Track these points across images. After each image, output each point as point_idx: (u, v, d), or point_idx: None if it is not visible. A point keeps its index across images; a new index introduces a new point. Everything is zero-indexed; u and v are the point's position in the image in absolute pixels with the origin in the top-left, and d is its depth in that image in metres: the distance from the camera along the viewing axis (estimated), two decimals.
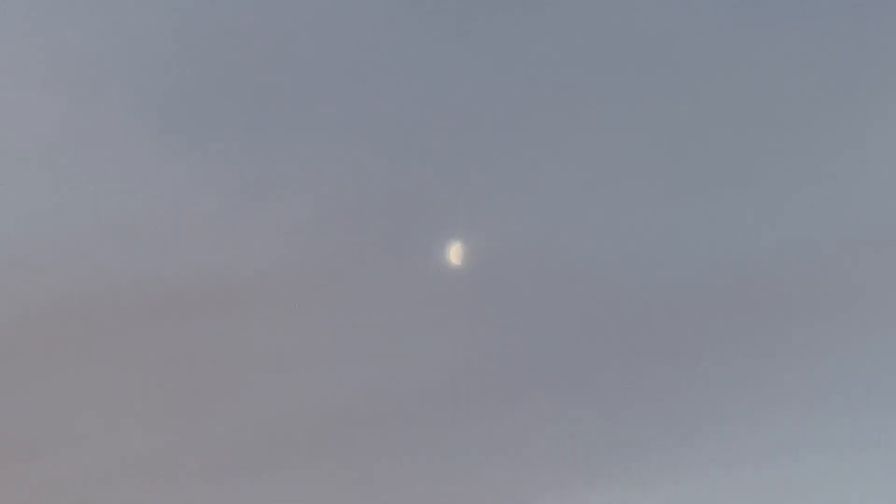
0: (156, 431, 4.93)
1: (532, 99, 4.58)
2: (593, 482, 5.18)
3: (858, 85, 4.62)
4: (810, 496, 5.16)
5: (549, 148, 4.68)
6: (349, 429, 5.10)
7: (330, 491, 5.12)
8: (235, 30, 4.30)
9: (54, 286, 4.57)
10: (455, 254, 4.82)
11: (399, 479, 5.19)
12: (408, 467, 5.21)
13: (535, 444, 5.18)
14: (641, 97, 4.57)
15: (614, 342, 5.09)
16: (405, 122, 4.56)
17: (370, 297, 4.86)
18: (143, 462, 4.96)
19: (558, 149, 4.69)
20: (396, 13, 4.34)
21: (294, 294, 4.80)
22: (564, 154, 4.70)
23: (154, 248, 4.55)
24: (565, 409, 5.20)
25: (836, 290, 4.97)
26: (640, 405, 5.14)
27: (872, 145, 4.74)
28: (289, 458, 5.08)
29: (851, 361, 5.06)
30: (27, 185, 4.39)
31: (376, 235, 4.76)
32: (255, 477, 5.04)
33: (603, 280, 4.93)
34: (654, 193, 4.76)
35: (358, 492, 5.09)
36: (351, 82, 4.49)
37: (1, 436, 4.75)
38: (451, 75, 4.52)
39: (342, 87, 4.50)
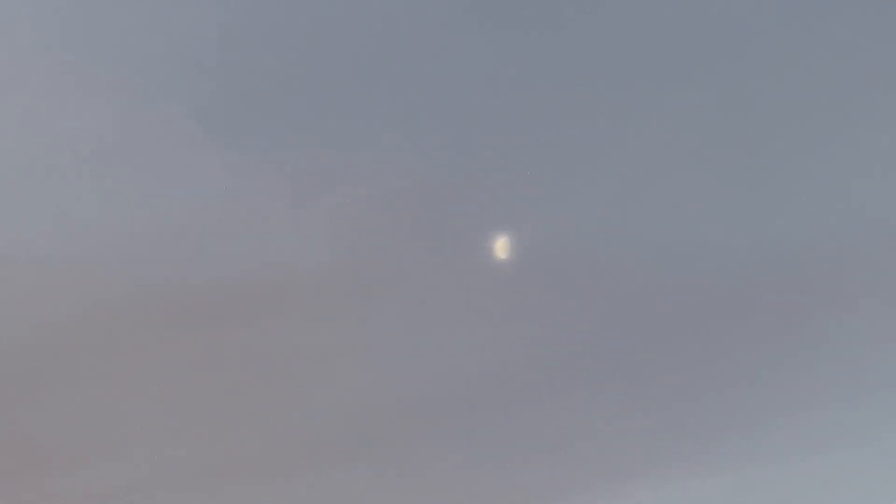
0: (206, 435, 4.96)
1: (582, 88, 4.49)
2: (646, 475, 5.18)
3: None
4: (866, 489, 5.14)
5: (598, 138, 4.60)
6: (398, 426, 5.11)
7: (381, 489, 5.17)
8: (282, 25, 4.25)
9: (105, 289, 4.57)
10: (502, 247, 4.77)
11: (449, 475, 5.23)
12: (459, 463, 5.23)
13: (586, 438, 5.17)
14: (695, 84, 4.51)
15: (665, 334, 5.05)
16: (452, 114, 4.49)
17: (418, 292, 4.82)
18: (193, 466, 4.98)
19: (608, 138, 4.61)
20: (442, 2, 4.28)
21: (342, 291, 4.76)
22: (615, 143, 4.62)
23: (204, 248, 4.54)
24: (615, 402, 5.19)
25: None
26: (694, 398, 5.11)
27: None
28: (338, 456, 5.10)
29: None
30: (81, 186, 4.37)
31: (423, 230, 4.71)
32: (306, 475, 5.09)
33: (652, 272, 4.86)
34: (707, 182, 4.69)
35: (409, 488, 5.10)
36: (396, 75, 4.41)
37: (52, 440, 4.77)
38: (499, 64, 4.42)
39: (386, 80, 4.41)
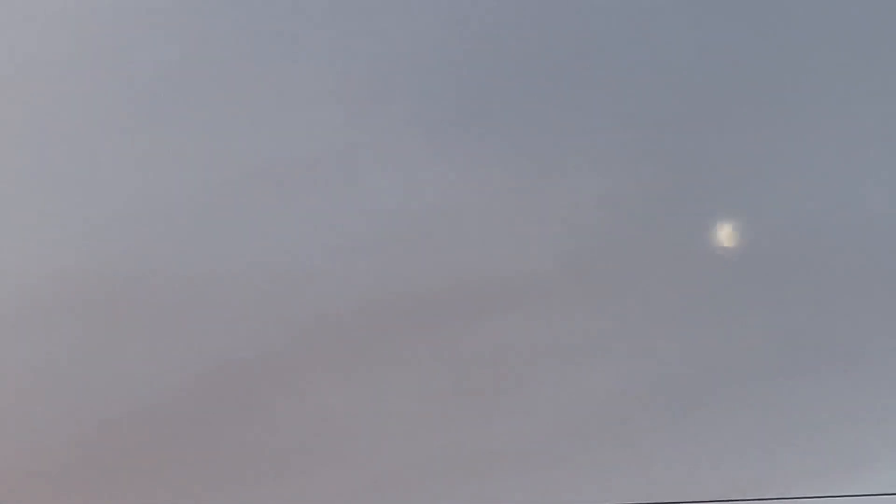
0: (440, 436, 5.00)
1: (808, 75, 4.45)
2: None
3: None
4: None
5: (824, 124, 4.52)
6: (631, 421, 5.09)
7: (626, 477, 5.14)
8: (505, 23, 4.27)
9: (339, 293, 4.62)
10: (730, 239, 4.71)
11: (683, 471, 5.17)
12: (690, 458, 5.17)
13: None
14: None
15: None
16: (677, 108, 4.50)
17: (647, 288, 4.80)
18: (432, 465, 5.01)
19: (835, 124, 4.55)
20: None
21: (571, 289, 4.77)
22: (843, 129, 4.57)
23: (433, 250, 4.58)
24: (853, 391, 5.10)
25: None
26: None
27: None
28: (570, 453, 5.10)
29: None
30: (308, 193, 4.43)
31: (650, 225, 4.70)
32: (537, 472, 5.08)
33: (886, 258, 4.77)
34: None
35: (656, 478, 5.09)
36: (614, 76, 4.43)
37: (293, 443, 4.79)
38: (721, 57, 4.43)
39: (605, 79, 4.43)
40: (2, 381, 4.65)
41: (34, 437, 4.78)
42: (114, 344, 4.59)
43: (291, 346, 4.70)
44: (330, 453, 4.91)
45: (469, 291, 4.68)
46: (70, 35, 4.04)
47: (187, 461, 4.91)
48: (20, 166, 4.25)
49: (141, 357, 4.66)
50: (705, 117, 4.50)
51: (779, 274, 4.81)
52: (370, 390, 4.79)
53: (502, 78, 4.32)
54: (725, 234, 4.71)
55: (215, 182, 4.33)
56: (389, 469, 5.00)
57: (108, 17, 4.01)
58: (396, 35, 4.18)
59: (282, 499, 4.95)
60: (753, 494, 5.25)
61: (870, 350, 5.04)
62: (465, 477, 5.10)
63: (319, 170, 4.35)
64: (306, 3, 4.07)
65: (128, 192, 4.28)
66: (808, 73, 4.45)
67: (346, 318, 4.65)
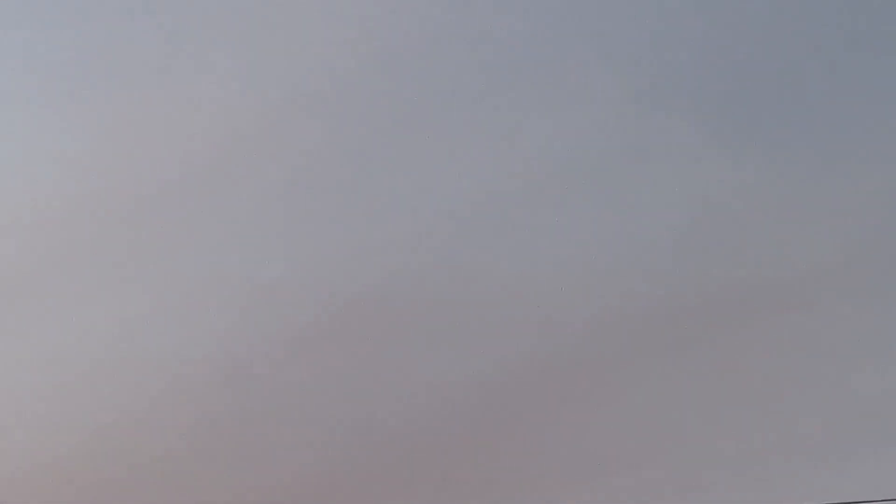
0: (728, 432, 4.86)
1: None
2: None
3: None
4: None
5: None
6: None
7: None
8: (776, 24, 4.44)
9: (620, 294, 4.61)
10: None
11: None
12: None
13: None
14: None
15: None
16: None
17: None
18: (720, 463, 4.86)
19: None
20: None
21: (854, 286, 4.67)
22: None
23: (716, 247, 4.55)
24: None
25: None
26: None
27: None
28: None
29: None
30: (590, 196, 4.54)
31: None
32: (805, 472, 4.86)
33: None
34: None
35: None
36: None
37: (578, 449, 4.75)
38: None
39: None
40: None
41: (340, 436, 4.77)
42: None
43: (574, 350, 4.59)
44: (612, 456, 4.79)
45: (744, 290, 4.55)
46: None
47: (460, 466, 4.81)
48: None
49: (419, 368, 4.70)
50: None
51: None
52: (653, 389, 4.71)
53: (771, 75, 4.48)
54: None
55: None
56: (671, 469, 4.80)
57: None
58: (672, 38, 4.31)
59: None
60: None
61: None
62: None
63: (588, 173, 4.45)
64: None
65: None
66: None
67: (624, 320, 4.62)
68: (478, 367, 4.64)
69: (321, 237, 4.43)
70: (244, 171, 4.32)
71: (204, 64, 4.23)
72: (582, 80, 4.42)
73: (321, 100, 4.27)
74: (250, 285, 4.44)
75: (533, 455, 4.76)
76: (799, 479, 4.73)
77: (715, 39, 4.41)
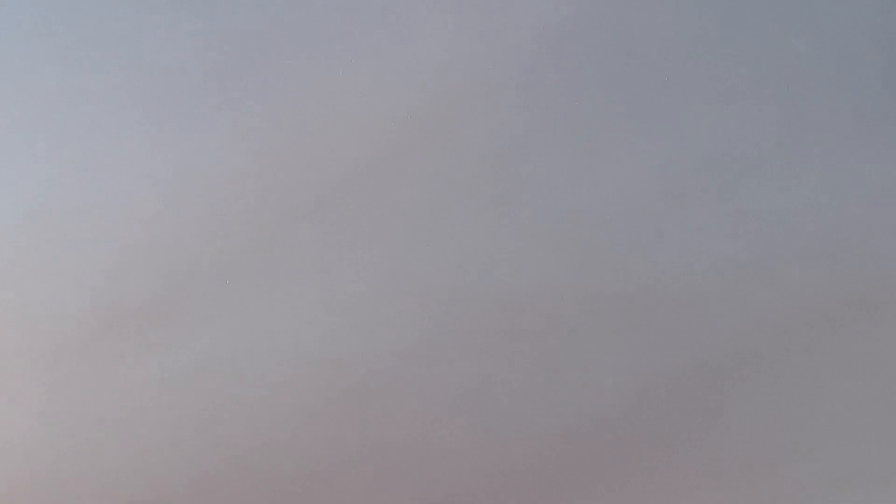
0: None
1: None
2: None
3: None
4: None
5: None
6: None
7: None
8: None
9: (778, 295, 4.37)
10: None
11: None
12: None
13: None
14: None
15: None
16: None
17: None
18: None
19: None
20: None
21: None
22: None
23: (876, 244, 4.35)
24: None
25: None
26: None
27: None
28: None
29: None
30: (746, 191, 4.34)
31: None
32: None
33: None
34: None
35: None
36: None
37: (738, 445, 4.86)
38: None
39: None
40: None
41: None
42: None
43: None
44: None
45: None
46: None
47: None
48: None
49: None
50: None
51: None
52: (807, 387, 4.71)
53: None
54: None
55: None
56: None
57: None
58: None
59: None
60: None
61: None
62: None
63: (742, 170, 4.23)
64: None
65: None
66: None
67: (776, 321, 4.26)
68: (652, 366, 4.67)
69: (490, 238, 4.59)
70: (418, 170, 4.51)
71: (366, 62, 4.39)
72: (752, 72, 4.26)
73: (494, 91, 4.44)
74: (425, 288, 4.61)
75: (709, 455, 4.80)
76: None
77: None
